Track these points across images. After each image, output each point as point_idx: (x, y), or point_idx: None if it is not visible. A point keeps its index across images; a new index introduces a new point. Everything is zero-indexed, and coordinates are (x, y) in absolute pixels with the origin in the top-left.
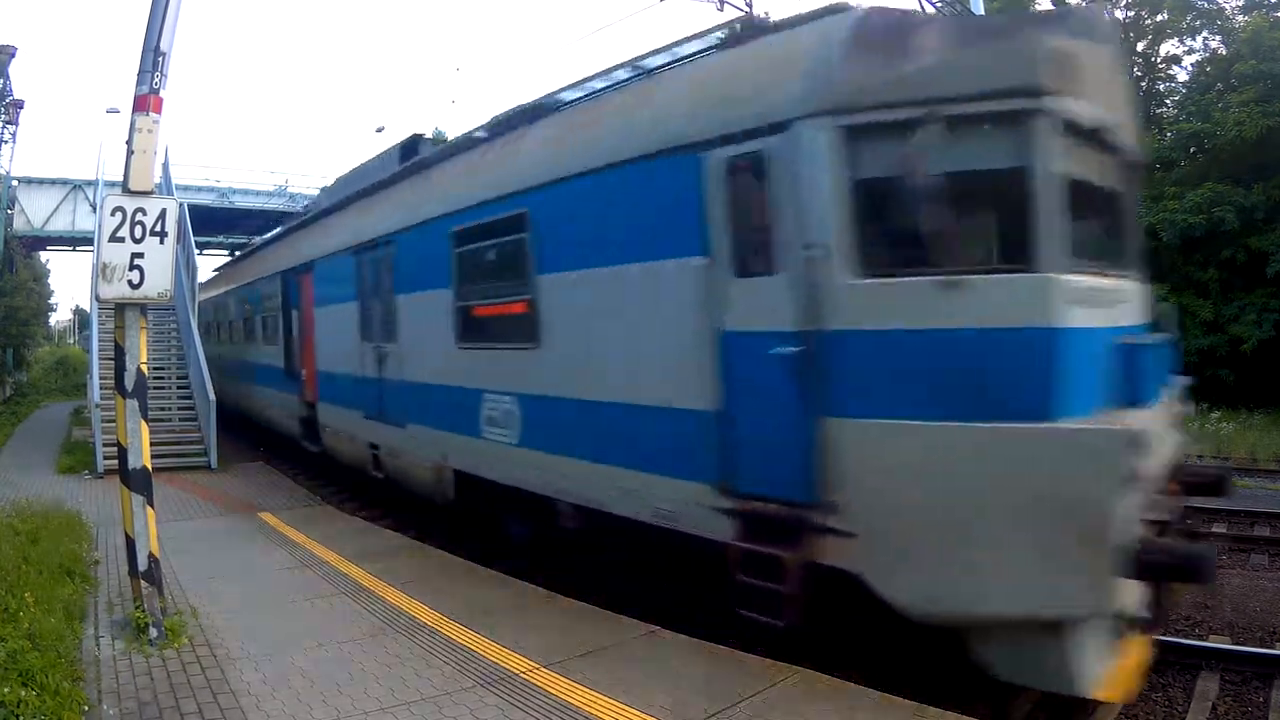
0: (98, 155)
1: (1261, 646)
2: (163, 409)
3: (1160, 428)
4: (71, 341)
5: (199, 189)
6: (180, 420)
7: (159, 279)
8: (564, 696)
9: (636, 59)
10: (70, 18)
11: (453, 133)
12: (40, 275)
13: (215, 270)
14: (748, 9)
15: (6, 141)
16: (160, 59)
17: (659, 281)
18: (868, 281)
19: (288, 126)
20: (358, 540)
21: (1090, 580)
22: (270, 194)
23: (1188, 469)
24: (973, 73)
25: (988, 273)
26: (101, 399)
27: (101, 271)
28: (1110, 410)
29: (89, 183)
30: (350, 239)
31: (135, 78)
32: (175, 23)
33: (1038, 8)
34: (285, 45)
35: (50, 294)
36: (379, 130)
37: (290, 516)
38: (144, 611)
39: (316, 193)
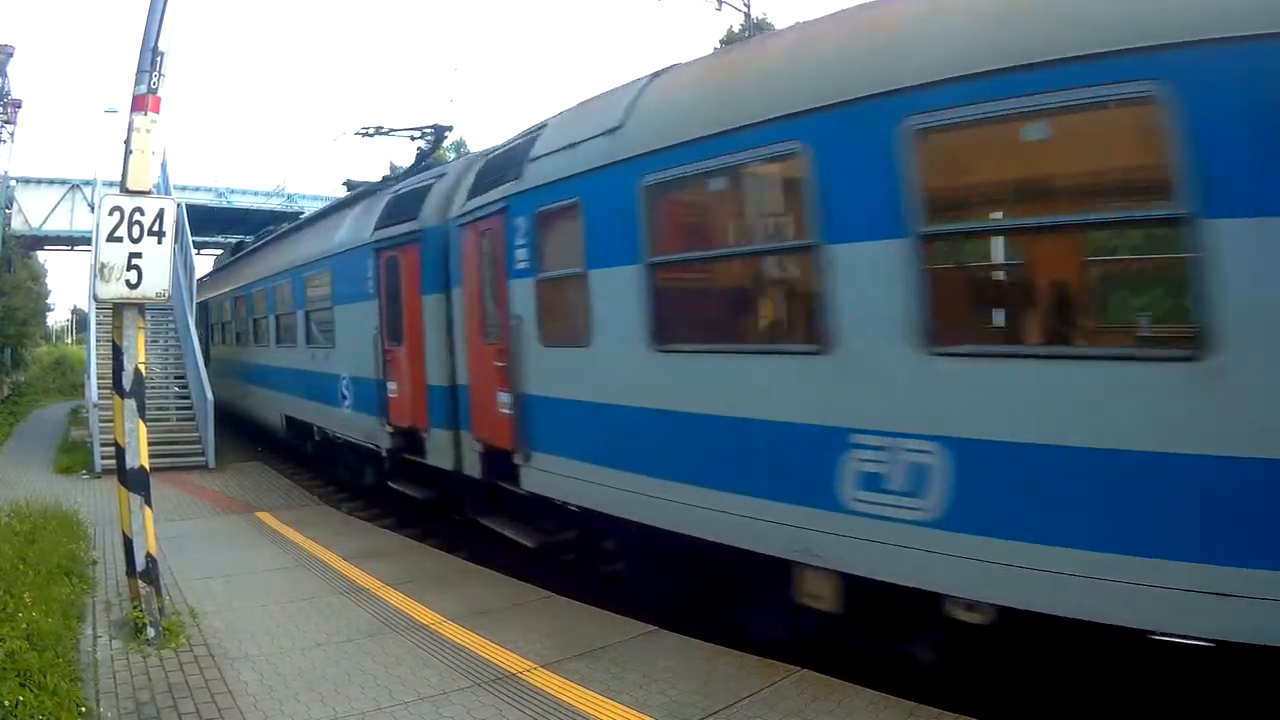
0: (95, 155)
1: None
2: (160, 408)
3: None
4: (70, 341)
5: (197, 188)
6: (178, 420)
7: (157, 279)
8: (562, 696)
9: None
10: (70, 18)
11: (453, 134)
12: (38, 275)
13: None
14: (746, 9)
15: (5, 141)
16: (158, 59)
17: None
18: None
19: (285, 125)
20: (355, 540)
21: None
22: (268, 194)
23: None
24: None
25: None
26: (99, 399)
27: (99, 271)
28: None
29: (87, 182)
30: None
31: (134, 78)
32: (174, 23)
33: None
34: (282, 44)
35: (48, 294)
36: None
37: (288, 516)
38: (142, 611)
39: (315, 193)
